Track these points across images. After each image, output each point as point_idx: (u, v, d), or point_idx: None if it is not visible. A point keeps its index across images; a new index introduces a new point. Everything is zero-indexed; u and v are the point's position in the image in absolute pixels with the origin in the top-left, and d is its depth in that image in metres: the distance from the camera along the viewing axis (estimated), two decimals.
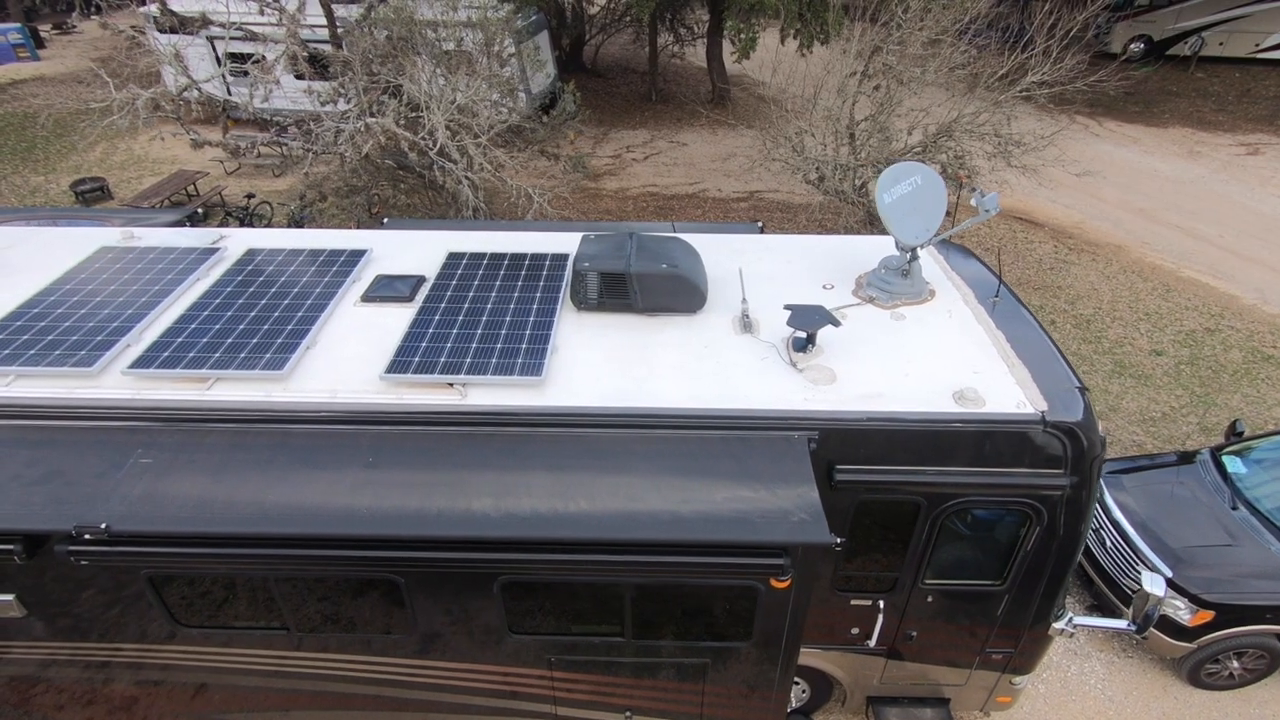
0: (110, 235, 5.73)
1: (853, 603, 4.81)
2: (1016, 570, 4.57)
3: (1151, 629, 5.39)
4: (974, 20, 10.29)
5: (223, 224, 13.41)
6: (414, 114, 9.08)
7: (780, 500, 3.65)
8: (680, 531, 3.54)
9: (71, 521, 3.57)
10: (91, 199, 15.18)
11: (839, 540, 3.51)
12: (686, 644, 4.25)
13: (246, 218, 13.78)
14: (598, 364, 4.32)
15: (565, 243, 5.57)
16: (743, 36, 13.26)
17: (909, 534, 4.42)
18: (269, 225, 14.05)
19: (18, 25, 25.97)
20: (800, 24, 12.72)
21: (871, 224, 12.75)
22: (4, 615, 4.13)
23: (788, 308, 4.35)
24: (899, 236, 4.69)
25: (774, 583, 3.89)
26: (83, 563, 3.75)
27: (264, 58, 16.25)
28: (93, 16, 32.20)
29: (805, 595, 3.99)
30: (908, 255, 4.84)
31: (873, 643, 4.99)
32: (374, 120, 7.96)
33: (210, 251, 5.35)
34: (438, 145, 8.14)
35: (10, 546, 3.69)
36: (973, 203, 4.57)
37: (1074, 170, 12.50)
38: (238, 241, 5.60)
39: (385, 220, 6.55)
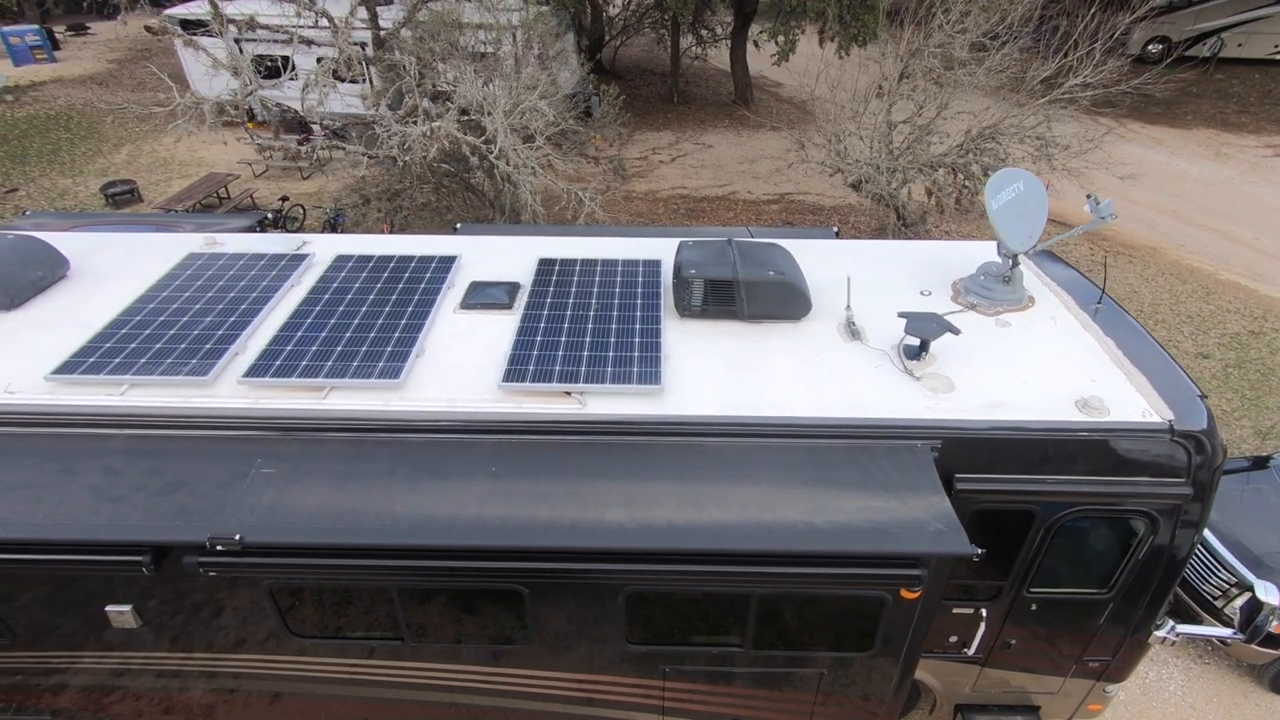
0: (194, 241, 5.70)
1: (954, 611, 4.77)
2: (1124, 579, 4.54)
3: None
4: (1026, 22, 10.26)
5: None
6: (463, 117, 9.05)
7: (913, 510, 3.63)
8: (819, 542, 3.51)
9: (205, 533, 3.54)
10: (122, 202, 15.15)
11: (980, 551, 3.48)
12: (805, 654, 4.22)
13: (280, 220, 13.75)
14: (711, 372, 4.29)
15: (652, 248, 5.55)
16: (781, 39, 13.21)
17: (1020, 542, 4.39)
18: (301, 228, 14.02)
19: (35, 27, 25.97)
20: (840, 26, 12.70)
21: (907, 226, 12.78)
22: (121, 626, 4.10)
23: (902, 315, 4.33)
24: (1007, 242, 4.67)
25: (904, 593, 3.86)
26: (211, 574, 3.72)
27: (293, 61, 16.22)
28: (152, 19, 32.25)
29: (933, 606, 3.97)
30: (1010, 261, 4.82)
31: (971, 651, 4.95)
32: (438, 124, 7.93)
33: (300, 258, 5.32)
34: (498, 149, 8.11)
35: (139, 558, 3.66)
36: (1087, 209, 4.55)
37: (1119, 173, 12.47)
38: (324, 247, 5.57)
39: (459, 226, 6.52)
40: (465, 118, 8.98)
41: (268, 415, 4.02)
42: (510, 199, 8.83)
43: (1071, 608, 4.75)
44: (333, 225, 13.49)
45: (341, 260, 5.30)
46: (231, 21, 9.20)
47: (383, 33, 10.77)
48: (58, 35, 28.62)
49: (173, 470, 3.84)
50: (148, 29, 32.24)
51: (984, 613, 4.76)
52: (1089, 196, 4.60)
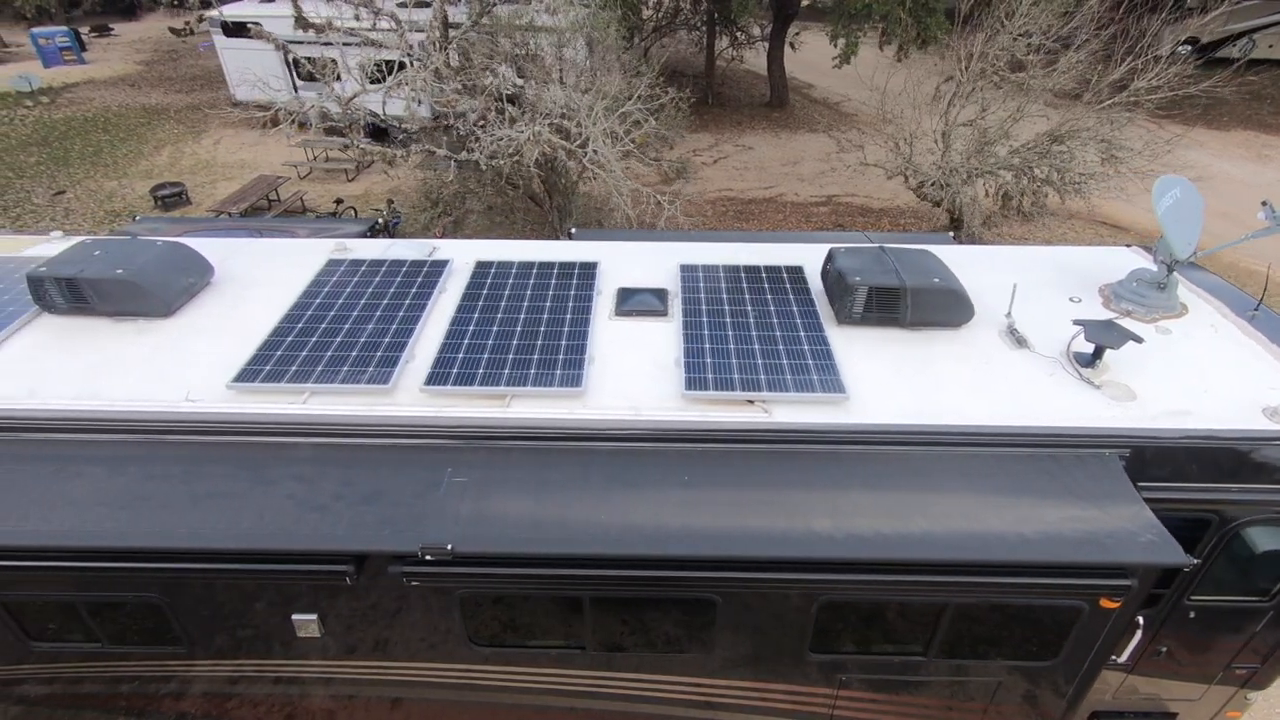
0: (324, 247, 5.70)
1: None
2: None
3: None
4: (1099, 27, 10.27)
5: None
6: (546, 120, 9.05)
7: (1117, 520, 3.62)
8: (1031, 552, 3.50)
9: (415, 543, 3.54)
10: (171, 204, 15.16)
11: (1195, 561, 3.47)
12: (987, 663, 4.21)
13: (388, 226, 13.72)
14: (884, 380, 4.28)
15: (784, 254, 5.54)
16: (843, 41, 13.21)
17: (1189, 551, 4.37)
18: None
19: (64, 29, 25.98)
20: (901, 29, 12.71)
21: (957, 227, 12.81)
22: (305, 635, 4.10)
23: (1078, 323, 4.32)
24: (1175, 248, 4.66)
25: (1104, 603, 3.85)
26: (414, 584, 3.71)
27: (336, 63, 16.17)
28: (176, 21, 32.27)
29: (1129, 616, 3.96)
30: (1166, 268, 4.81)
31: (1123, 659, 4.94)
32: (538, 128, 7.94)
33: (440, 264, 5.32)
34: (589, 153, 8.12)
35: (343, 568, 3.66)
36: (1261, 216, 4.55)
37: (1189, 177, 12.43)
38: (458, 253, 5.55)
39: (573, 231, 6.52)
40: (549, 121, 8.99)
41: (453, 424, 4.01)
42: (603, 203, 8.81)
43: (1229, 615, 4.73)
44: (388, 228, 13.49)
45: (483, 266, 5.29)
46: (311, 25, 9.17)
47: (451, 35, 10.75)
48: (82, 36, 28.62)
49: (366, 479, 3.84)
50: (172, 30, 32.40)
51: (1141, 620, 4.75)
52: (1264, 204, 4.59)
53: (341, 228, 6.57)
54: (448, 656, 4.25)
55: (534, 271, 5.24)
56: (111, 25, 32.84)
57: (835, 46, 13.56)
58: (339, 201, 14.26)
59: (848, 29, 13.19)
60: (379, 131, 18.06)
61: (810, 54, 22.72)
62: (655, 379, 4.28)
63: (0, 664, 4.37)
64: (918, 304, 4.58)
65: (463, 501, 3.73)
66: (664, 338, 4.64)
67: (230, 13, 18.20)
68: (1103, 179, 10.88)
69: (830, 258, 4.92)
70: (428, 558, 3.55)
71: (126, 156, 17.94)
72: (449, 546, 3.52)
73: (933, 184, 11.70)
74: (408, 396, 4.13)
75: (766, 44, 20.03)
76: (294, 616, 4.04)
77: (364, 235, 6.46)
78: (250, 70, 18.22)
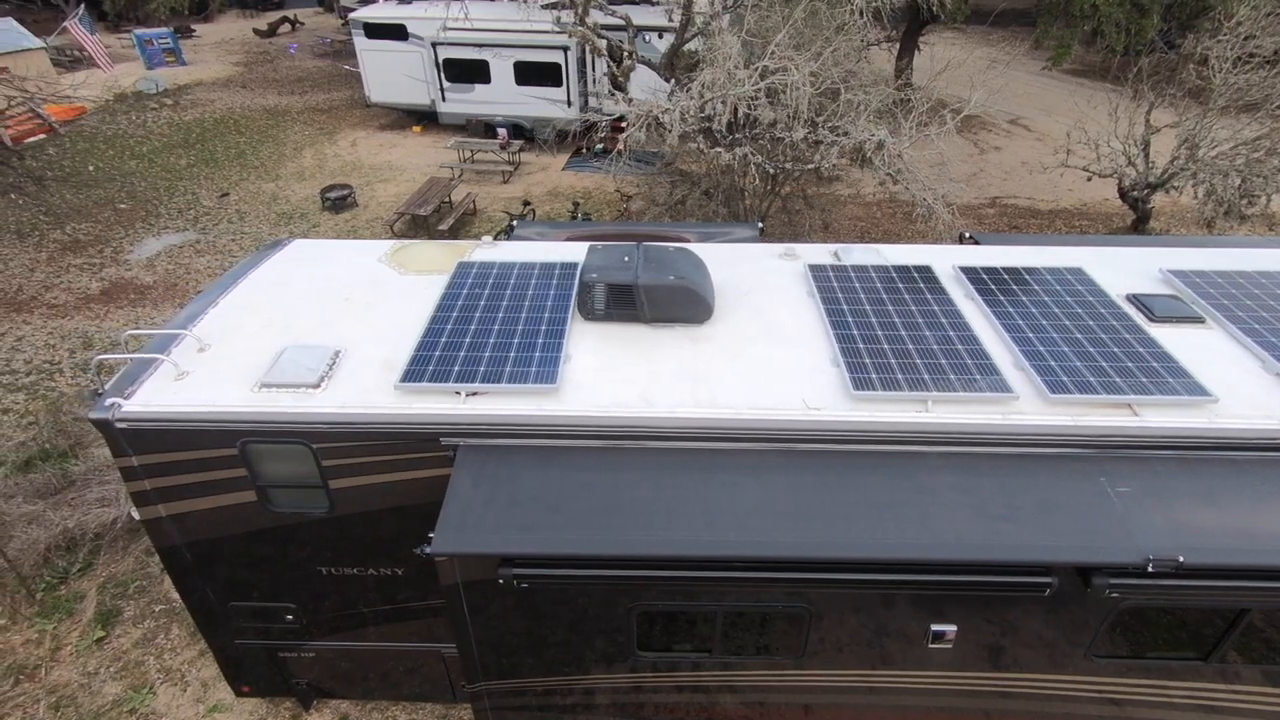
0: (765, 251, 5.67)
1: None
2: None
3: None
4: None
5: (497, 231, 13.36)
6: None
7: None
8: None
9: (1140, 554, 3.48)
10: (340, 206, 15.12)
11: None
12: None
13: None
14: None
15: (1228, 259, 5.50)
16: (1057, 44, 13.13)
17: None
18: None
19: (168, 30, 26.03)
20: (1115, 31, 12.64)
21: (1136, 227, 12.81)
22: (935, 646, 4.04)
23: None
24: None
25: None
26: (1113, 595, 3.65)
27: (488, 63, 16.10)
28: (260, 22, 32.22)
29: None
30: None
31: None
32: (875, 131, 7.93)
33: (926, 266, 5.26)
34: (886, 154, 8.12)
35: (1045, 579, 3.59)
36: None
37: None
38: (910, 257, 5.49)
39: (967, 234, 6.46)
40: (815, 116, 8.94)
41: (1088, 433, 3.95)
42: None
43: None
44: None
45: (969, 271, 5.23)
46: (581, 27, 9.13)
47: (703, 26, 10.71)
48: None
49: (1022, 489, 3.78)
50: (256, 31, 32.45)
51: None
52: None
53: (733, 231, 6.51)
54: (1059, 667, 4.18)
55: (1023, 274, 5.18)
56: (193, 27, 32.93)
57: (1041, 46, 13.49)
58: (526, 204, 14.22)
59: (1062, 31, 13.11)
60: (520, 132, 18.12)
61: (920, 57, 22.64)
62: (1265, 387, 4.22)
63: (599, 672, 4.32)
64: None
65: (1148, 512, 3.68)
66: (1218, 343, 4.58)
67: (372, 15, 18.16)
68: None
69: None
70: (1150, 569, 3.50)
71: (272, 158, 17.92)
72: (1179, 558, 3.47)
73: (1147, 186, 11.66)
74: (1032, 405, 4.07)
75: (897, 45, 19.91)
76: (933, 627, 3.98)
77: (753, 239, 6.41)
78: (396, 71, 18.35)
